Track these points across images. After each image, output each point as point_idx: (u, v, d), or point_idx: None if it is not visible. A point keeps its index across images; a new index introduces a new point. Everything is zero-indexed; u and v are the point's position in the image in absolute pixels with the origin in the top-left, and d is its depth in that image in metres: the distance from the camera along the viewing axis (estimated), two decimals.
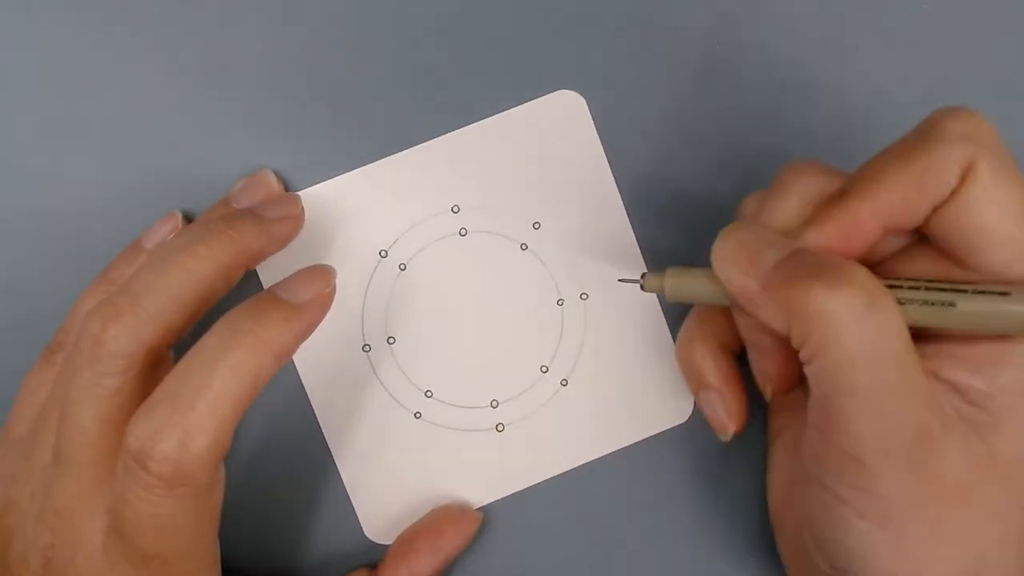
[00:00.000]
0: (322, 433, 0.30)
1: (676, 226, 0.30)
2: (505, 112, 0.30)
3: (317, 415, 0.30)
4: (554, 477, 0.30)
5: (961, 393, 0.23)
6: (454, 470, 0.30)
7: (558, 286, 0.30)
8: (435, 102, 0.30)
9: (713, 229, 0.25)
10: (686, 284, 0.26)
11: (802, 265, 0.22)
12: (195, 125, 0.30)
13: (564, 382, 0.30)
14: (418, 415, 0.30)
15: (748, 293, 0.23)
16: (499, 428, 0.30)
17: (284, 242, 0.28)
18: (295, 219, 0.28)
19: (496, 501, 0.30)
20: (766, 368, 0.26)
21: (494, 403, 0.30)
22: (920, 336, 0.23)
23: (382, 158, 0.30)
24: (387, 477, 0.30)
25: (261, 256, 0.27)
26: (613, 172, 0.29)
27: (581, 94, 0.29)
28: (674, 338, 0.29)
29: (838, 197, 0.23)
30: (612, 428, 0.30)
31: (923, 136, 0.22)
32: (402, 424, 0.30)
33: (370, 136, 0.30)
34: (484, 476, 0.30)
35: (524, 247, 0.30)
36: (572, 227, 0.30)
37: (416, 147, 0.30)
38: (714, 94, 0.30)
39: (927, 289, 0.22)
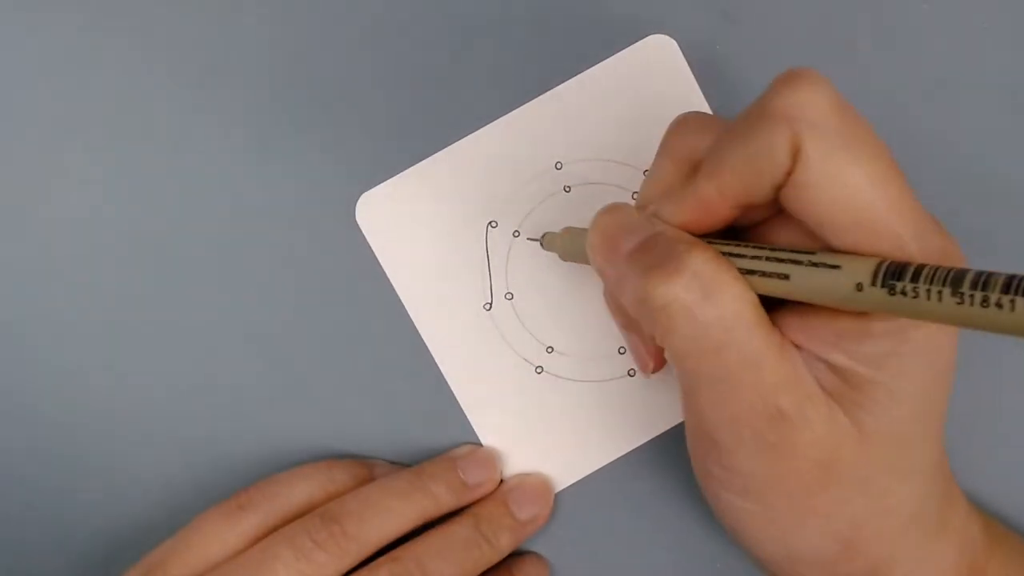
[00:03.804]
0: (451, 390, 0.29)
1: None
2: (596, 66, 0.30)
3: (443, 373, 0.29)
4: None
5: (828, 366, 0.21)
6: (583, 423, 0.29)
7: None
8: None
9: None
10: (577, 245, 0.26)
11: (649, 254, 0.22)
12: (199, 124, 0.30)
13: None
14: (539, 370, 0.29)
15: (610, 282, 0.24)
16: (631, 373, 0.29)
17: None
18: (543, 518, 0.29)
19: (633, 449, 0.29)
20: (640, 349, 0.26)
21: (621, 350, 0.29)
22: (787, 304, 0.21)
23: (475, 131, 0.30)
24: (518, 431, 0.29)
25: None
26: (713, 110, 0.29)
27: (672, 36, 0.30)
28: None
29: (691, 175, 0.22)
30: None
31: (756, 114, 0.21)
32: (526, 378, 0.29)
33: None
34: (616, 425, 0.29)
35: (635, 195, 0.29)
36: None
37: (509, 115, 0.30)
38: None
39: (767, 259, 0.21)
